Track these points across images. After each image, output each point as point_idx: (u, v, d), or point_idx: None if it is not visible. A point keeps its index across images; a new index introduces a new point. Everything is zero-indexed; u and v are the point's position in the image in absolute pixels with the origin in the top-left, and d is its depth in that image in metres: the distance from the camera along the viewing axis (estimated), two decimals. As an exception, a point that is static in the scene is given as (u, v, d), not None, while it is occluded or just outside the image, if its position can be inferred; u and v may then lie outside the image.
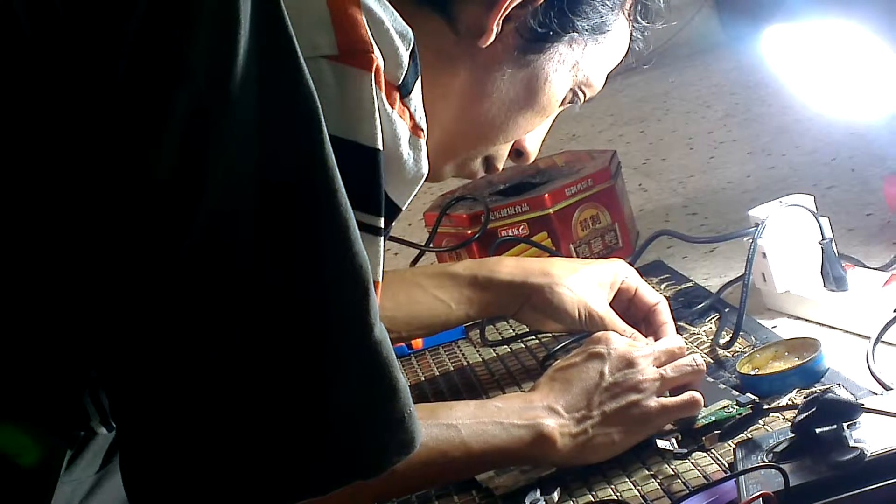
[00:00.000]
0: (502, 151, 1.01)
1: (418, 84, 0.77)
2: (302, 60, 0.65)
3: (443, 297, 1.19)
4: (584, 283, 1.18)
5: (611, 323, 1.15)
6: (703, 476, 0.90)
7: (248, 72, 0.63)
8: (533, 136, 1.02)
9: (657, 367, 0.99)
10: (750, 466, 0.83)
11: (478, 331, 1.38)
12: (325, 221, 0.66)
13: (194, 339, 0.64)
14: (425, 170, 0.80)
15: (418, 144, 0.78)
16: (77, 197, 0.63)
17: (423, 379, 1.31)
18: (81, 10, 0.62)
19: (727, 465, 0.90)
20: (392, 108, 0.74)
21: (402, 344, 1.39)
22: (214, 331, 0.64)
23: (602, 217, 1.55)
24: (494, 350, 1.33)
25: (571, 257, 1.50)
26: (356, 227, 0.67)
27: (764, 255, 1.17)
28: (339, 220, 0.66)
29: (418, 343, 1.39)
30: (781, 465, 0.79)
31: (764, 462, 0.83)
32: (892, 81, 1.03)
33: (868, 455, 0.77)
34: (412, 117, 0.77)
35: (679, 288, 1.34)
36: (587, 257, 1.53)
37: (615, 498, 0.90)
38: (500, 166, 1.02)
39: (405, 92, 0.75)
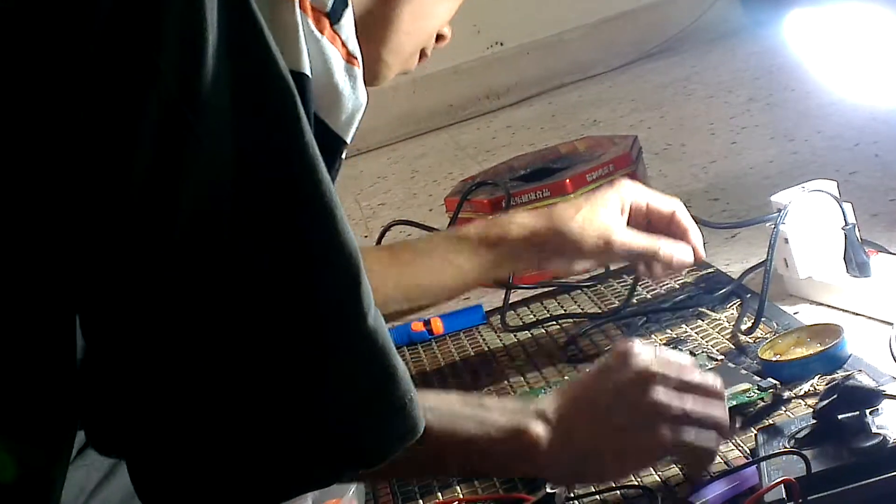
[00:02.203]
0: (432, 40, 1.03)
1: (349, 13, 0.77)
2: (275, 51, 0.64)
3: (458, 261, 1.17)
4: (595, 215, 1.15)
5: (633, 245, 1.14)
6: (724, 462, 0.90)
7: (218, 69, 0.62)
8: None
9: (679, 394, 0.85)
10: (771, 452, 0.83)
11: (499, 316, 1.38)
12: (308, 213, 0.65)
13: (188, 335, 0.63)
14: (363, 98, 0.80)
15: (353, 72, 0.78)
16: (59, 199, 0.62)
17: (443, 364, 1.31)
18: (43, 13, 0.61)
19: (748, 451, 0.89)
20: (321, 34, 0.74)
21: (424, 329, 1.39)
22: (207, 328, 0.63)
23: (623, 202, 1.54)
24: (515, 335, 1.33)
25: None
26: (343, 217, 0.66)
27: (786, 240, 1.17)
28: (324, 210, 0.65)
29: (439, 328, 1.39)
30: (803, 452, 0.79)
31: (786, 448, 0.82)
32: (916, 66, 1.03)
33: (891, 441, 0.77)
34: (344, 45, 0.77)
35: (700, 273, 1.34)
36: (608, 243, 1.52)
37: (636, 483, 0.90)
38: (430, 53, 1.04)
39: (335, 19, 0.75)
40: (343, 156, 0.84)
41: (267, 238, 0.64)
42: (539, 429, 0.84)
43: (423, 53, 1.03)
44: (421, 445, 0.80)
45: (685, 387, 0.85)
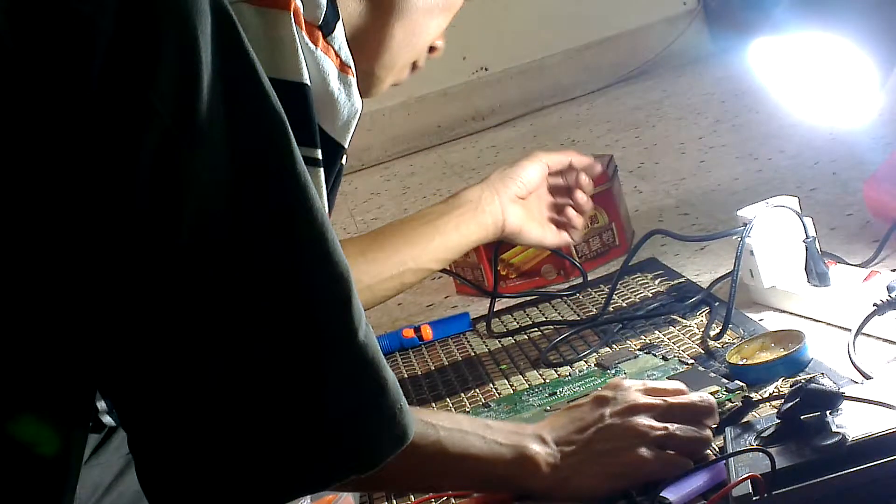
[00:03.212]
0: (424, 52, 1.02)
1: (340, 25, 0.76)
2: (266, 84, 0.64)
3: (439, 224, 1.23)
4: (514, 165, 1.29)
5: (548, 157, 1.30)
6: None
7: (213, 104, 0.61)
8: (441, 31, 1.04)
9: (664, 422, 0.89)
10: (738, 450, 0.83)
11: (484, 323, 1.39)
12: (302, 238, 0.64)
13: (189, 351, 0.63)
14: (359, 104, 0.80)
15: (347, 80, 0.78)
16: (63, 229, 0.61)
17: (433, 368, 1.31)
18: (40, 51, 0.59)
19: (717, 449, 0.89)
20: (315, 46, 0.74)
21: (415, 335, 1.39)
22: (206, 344, 0.63)
23: (600, 217, 1.55)
24: (500, 341, 1.33)
25: (570, 254, 1.50)
26: (334, 238, 0.66)
27: (751, 252, 1.17)
28: (317, 234, 0.65)
29: (428, 335, 1.39)
30: (768, 449, 0.79)
31: (752, 446, 0.82)
32: (870, 89, 1.03)
33: (849, 440, 0.77)
34: (338, 55, 0.76)
35: (672, 283, 1.34)
36: (586, 254, 1.53)
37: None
38: (422, 65, 1.04)
39: (327, 31, 0.75)
40: (344, 160, 0.84)
41: (263, 262, 0.63)
42: (538, 449, 0.87)
43: (415, 65, 1.02)
44: (433, 461, 0.84)
45: (669, 411, 0.89)
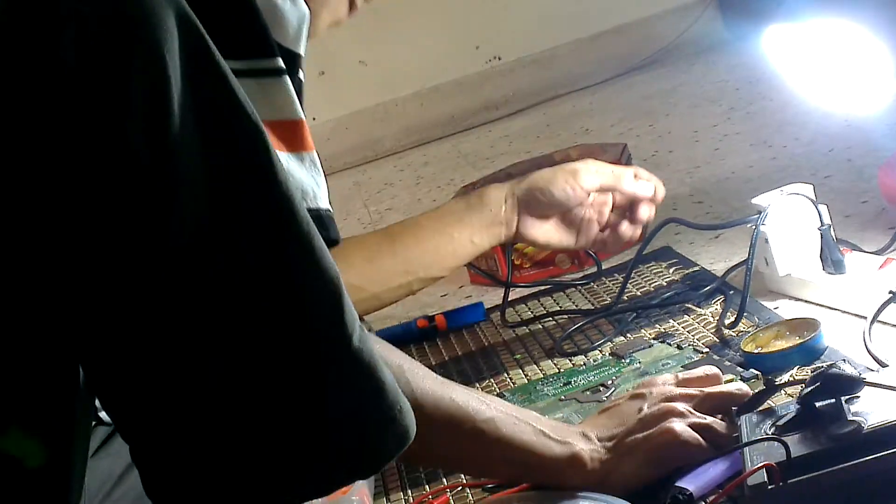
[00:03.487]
0: None
1: None
2: (241, 94, 0.63)
3: (449, 231, 1.17)
4: (566, 167, 1.21)
5: (601, 175, 1.19)
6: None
7: (185, 120, 0.61)
8: None
9: (702, 411, 0.91)
10: (754, 438, 0.83)
11: (499, 313, 1.38)
12: (288, 247, 0.64)
13: (182, 362, 0.62)
14: (305, 9, 0.78)
15: None
16: (43, 251, 0.61)
17: (447, 358, 1.31)
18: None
19: (734, 436, 0.89)
20: None
21: (428, 325, 1.39)
22: (200, 354, 0.63)
23: (614, 206, 1.54)
24: (514, 331, 1.33)
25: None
26: (321, 245, 0.65)
27: (766, 240, 1.17)
28: (302, 242, 0.64)
29: (442, 325, 1.39)
30: (783, 438, 0.79)
31: (768, 434, 0.82)
32: (885, 76, 1.03)
33: (865, 428, 0.77)
34: None
35: (686, 272, 1.34)
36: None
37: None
38: (359, 4, 1.00)
39: None
40: (302, 71, 0.82)
41: (248, 273, 0.63)
42: (584, 445, 0.89)
43: (353, 4, 1.00)
44: (485, 440, 0.85)
45: (706, 401, 0.91)
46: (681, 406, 0.90)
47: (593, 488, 0.88)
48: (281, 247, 0.64)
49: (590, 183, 1.19)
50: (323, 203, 0.86)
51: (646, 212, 1.22)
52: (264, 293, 0.64)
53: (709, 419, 0.89)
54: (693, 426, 0.88)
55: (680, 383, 0.94)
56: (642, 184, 1.21)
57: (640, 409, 0.91)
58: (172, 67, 0.60)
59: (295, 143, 0.81)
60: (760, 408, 0.91)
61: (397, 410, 0.68)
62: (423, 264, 1.18)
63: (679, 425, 0.87)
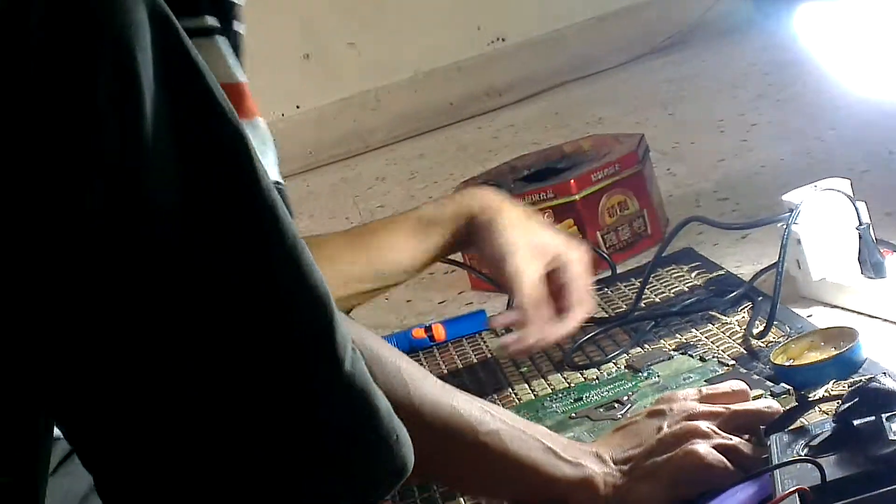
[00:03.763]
0: None
1: None
2: (218, 93, 0.63)
3: (411, 241, 1.18)
4: (524, 239, 1.15)
5: (521, 283, 1.12)
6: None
7: (158, 127, 0.61)
8: None
9: (728, 431, 0.90)
10: (785, 461, 0.83)
11: (502, 322, 1.39)
12: (273, 262, 0.64)
13: (162, 388, 0.63)
14: None
15: None
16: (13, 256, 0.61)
17: (445, 372, 1.31)
18: None
19: (763, 459, 0.89)
20: None
21: (425, 336, 1.39)
22: (179, 381, 0.63)
23: (630, 203, 1.55)
24: (519, 342, 1.33)
25: (598, 245, 1.50)
26: (309, 259, 0.65)
27: (798, 241, 1.17)
28: (289, 256, 0.65)
29: (441, 335, 1.39)
30: (818, 459, 0.79)
31: (800, 456, 0.82)
32: (931, 60, 1.03)
33: (908, 448, 0.77)
34: None
35: (710, 276, 1.34)
36: (614, 245, 1.53)
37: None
38: None
39: None
40: (239, 22, 0.82)
41: (228, 292, 0.63)
42: (598, 468, 0.88)
43: None
44: (490, 456, 0.85)
45: (732, 419, 0.91)
46: (704, 425, 0.89)
47: None
48: (264, 262, 0.64)
49: (510, 276, 1.13)
50: (273, 176, 0.86)
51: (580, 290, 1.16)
52: (246, 313, 0.64)
53: (735, 440, 0.89)
54: (718, 447, 0.88)
55: (703, 399, 0.94)
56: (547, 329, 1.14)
57: (660, 428, 0.91)
58: (144, 66, 0.60)
59: (236, 110, 0.82)
60: (792, 426, 0.91)
61: (393, 440, 0.69)
62: (386, 266, 1.18)
63: (703, 447, 0.87)
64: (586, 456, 0.89)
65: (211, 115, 0.63)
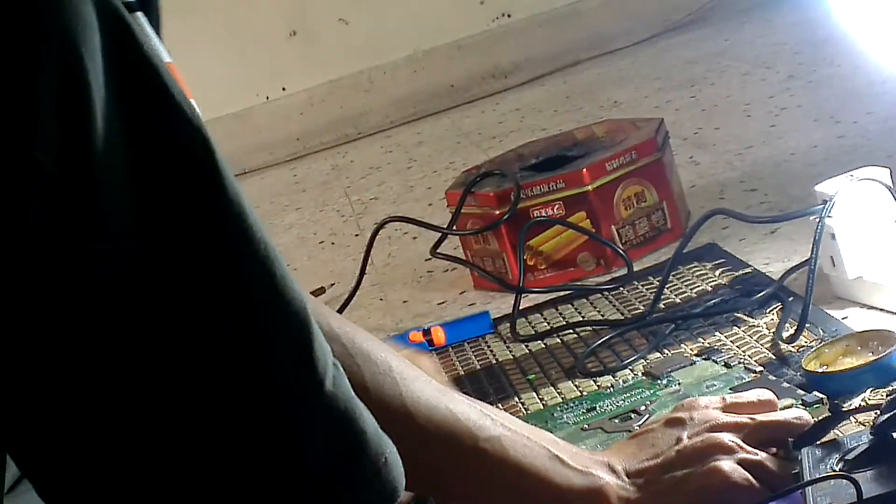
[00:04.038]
0: None
1: None
2: (177, 93, 0.63)
3: None
4: None
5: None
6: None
7: (110, 135, 0.61)
8: None
9: (753, 443, 0.90)
10: (818, 476, 0.83)
11: (508, 324, 1.39)
12: (244, 278, 0.64)
13: (123, 422, 0.63)
14: None
15: None
16: None
17: (446, 379, 1.31)
18: None
19: (793, 475, 0.89)
20: None
21: (424, 340, 1.39)
22: (143, 416, 0.63)
23: (648, 195, 1.55)
24: (527, 346, 1.34)
25: (612, 240, 1.50)
26: (284, 272, 0.65)
27: (833, 236, 1.17)
28: (261, 270, 0.64)
29: (440, 339, 1.40)
30: (854, 475, 0.79)
31: (834, 471, 0.82)
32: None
33: (952, 463, 0.77)
34: None
35: (736, 274, 1.34)
36: (631, 240, 1.53)
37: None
38: None
39: None
40: None
41: (193, 309, 0.63)
42: (609, 479, 0.88)
43: None
44: (489, 464, 0.85)
45: (758, 431, 0.91)
46: (728, 438, 0.89)
47: None
48: (233, 277, 0.64)
49: None
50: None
51: None
52: (214, 333, 0.64)
53: (761, 455, 0.89)
54: (743, 463, 0.88)
55: (727, 408, 0.94)
56: None
57: (679, 439, 0.91)
58: (92, 69, 0.60)
59: None
60: (825, 439, 0.92)
61: (382, 463, 0.69)
62: None
63: (728, 464, 0.87)
64: (597, 466, 0.89)
65: (169, 118, 0.63)
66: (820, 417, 0.95)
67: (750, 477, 0.87)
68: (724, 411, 0.94)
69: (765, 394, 0.96)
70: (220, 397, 0.64)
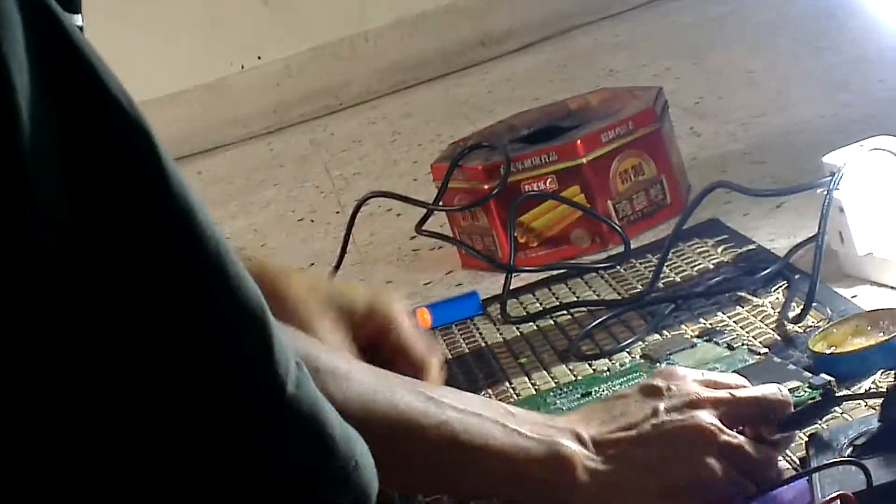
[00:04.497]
0: None
1: None
2: (113, 86, 0.62)
3: None
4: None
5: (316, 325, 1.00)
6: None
7: (40, 139, 0.60)
8: None
9: (732, 421, 0.89)
10: (825, 462, 0.83)
11: (498, 305, 1.39)
12: (188, 275, 0.64)
13: (73, 439, 0.62)
14: None
15: None
16: None
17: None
18: None
19: (798, 462, 0.90)
20: None
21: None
22: (92, 430, 0.62)
23: (646, 167, 1.55)
24: (518, 328, 1.34)
25: (608, 216, 1.50)
26: (238, 269, 0.65)
27: (841, 209, 1.17)
28: (209, 266, 0.64)
29: (426, 321, 1.39)
30: (863, 461, 0.79)
31: (842, 458, 0.83)
32: None
33: (966, 448, 0.77)
34: None
35: (740, 251, 1.34)
36: (628, 216, 1.53)
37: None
38: None
39: None
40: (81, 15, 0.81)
41: (142, 314, 0.62)
42: (574, 448, 0.87)
43: None
44: (440, 449, 0.84)
45: (738, 408, 0.90)
46: (708, 420, 0.88)
47: None
48: (181, 278, 0.63)
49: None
50: None
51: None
52: (163, 338, 0.63)
53: (741, 439, 0.88)
54: (724, 449, 0.87)
55: (705, 383, 0.92)
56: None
57: (656, 411, 0.89)
58: (15, 63, 0.59)
59: None
60: (826, 421, 0.92)
61: (352, 467, 0.68)
62: None
63: (710, 455, 0.86)
64: (560, 434, 0.88)
65: (106, 113, 0.62)
66: (810, 401, 0.95)
67: (732, 471, 0.86)
68: (702, 385, 0.92)
69: (739, 379, 0.94)
70: (172, 404, 0.63)
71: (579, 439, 0.88)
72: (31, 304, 0.61)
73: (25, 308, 0.61)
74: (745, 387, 0.93)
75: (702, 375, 0.94)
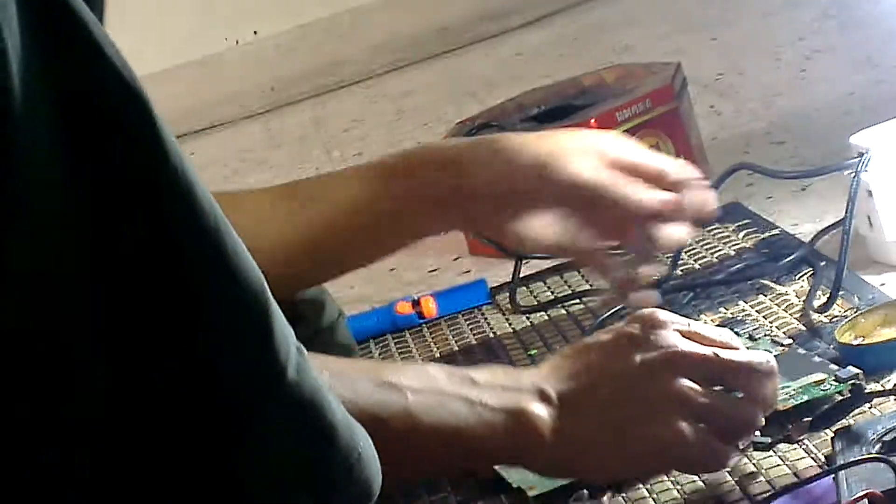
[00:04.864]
0: None
1: None
2: (111, 53, 0.62)
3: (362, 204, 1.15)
4: (545, 140, 1.12)
5: (585, 178, 1.09)
6: (793, 472, 0.90)
7: (32, 105, 0.60)
8: None
9: (714, 386, 0.89)
10: (852, 459, 0.83)
11: (507, 294, 1.39)
12: (184, 252, 0.64)
13: (43, 421, 0.62)
14: None
15: None
16: None
17: (438, 355, 1.31)
18: None
19: (823, 459, 0.90)
20: None
21: (413, 311, 1.39)
22: (83, 408, 0.63)
23: (663, 147, 1.55)
24: (528, 318, 1.34)
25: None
26: (237, 244, 0.65)
27: (870, 193, 1.17)
28: (208, 243, 0.64)
29: (431, 310, 1.40)
30: (892, 458, 0.79)
31: (870, 454, 0.83)
32: None
33: None
34: None
35: (762, 236, 1.34)
36: (645, 199, 1.52)
37: (682, 500, 0.91)
38: None
39: None
40: None
41: (135, 293, 0.63)
42: (540, 412, 0.88)
43: None
44: (401, 439, 0.86)
45: (720, 369, 0.89)
46: (683, 376, 0.88)
47: (547, 472, 0.89)
48: (177, 252, 0.63)
49: (566, 181, 1.11)
50: None
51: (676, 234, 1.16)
52: (157, 320, 0.63)
53: (719, 401, 0.88)
54: (701, 411, 0.87)
55: (689, 335, 0.91)
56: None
57: (629, 367, 0.89)
58: (7, 26, 0.59)
59: None
60: (854, 416, 0.92)
61: (355, 458, 0.69)
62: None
63: (689, 429, 0.87)
64: (526, 396, 0.89)
65: (101, 79, 0.62)
66: (839, 397, 0.95)
67: (712, 442, 0.87)
68: (685, 336, 0.91)
69: (727, 335, 0.93)
70: (167, 387, 0.63)
71: (546, 398, 0.89)
72: (22, 263, 0.61)
73: (16, 269, 0.61)
74: (731, 346, 0.92)
75: (687, 326, 0.92)
